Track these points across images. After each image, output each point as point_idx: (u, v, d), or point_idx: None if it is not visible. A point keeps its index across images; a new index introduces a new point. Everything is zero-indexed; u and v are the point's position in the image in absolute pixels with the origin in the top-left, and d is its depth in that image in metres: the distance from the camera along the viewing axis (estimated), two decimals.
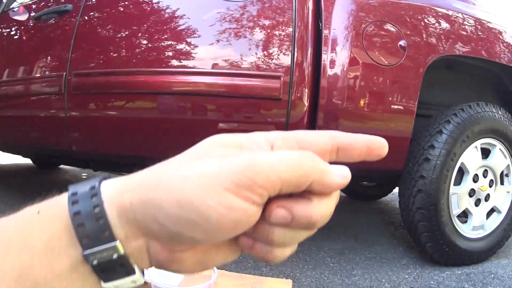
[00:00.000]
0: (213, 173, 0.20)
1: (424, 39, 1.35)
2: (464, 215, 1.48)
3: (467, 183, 1.43)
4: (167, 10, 1.38)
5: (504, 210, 1.54)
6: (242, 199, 0.20)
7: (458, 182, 1.43)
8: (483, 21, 1.56)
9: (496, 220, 1.53)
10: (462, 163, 1.40)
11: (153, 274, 0.53)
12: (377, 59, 1.25)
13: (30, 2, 1.78)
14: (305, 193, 0.21)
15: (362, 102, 1.22)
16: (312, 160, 0.21)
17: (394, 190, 2.48)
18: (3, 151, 2.19)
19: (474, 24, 1.52)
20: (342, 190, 2.40)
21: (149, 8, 1.44)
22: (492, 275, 1.37)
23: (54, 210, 0.23)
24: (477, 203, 1.48)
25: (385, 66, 1.26)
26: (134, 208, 0.22)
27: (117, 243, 0.22)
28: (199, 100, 1.30)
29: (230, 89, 1.25)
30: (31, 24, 1.74)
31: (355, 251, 1.55)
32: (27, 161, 2.96)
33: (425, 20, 1.39)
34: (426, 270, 1.39)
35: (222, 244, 0.23)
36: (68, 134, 1.50)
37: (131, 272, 0.23)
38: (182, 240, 0.22)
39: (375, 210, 2.34)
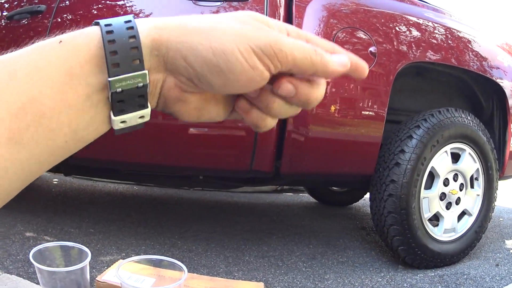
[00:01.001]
0: (248, 36, 0.24)
1: (395, 46, 1.38)
2: (436, 218, 1.50)
3: (438, 187, 1.46)
4: (140, 15, 1.38)
5: (475, 213, 1.58)
6: (262, 64, 0.24)
7: (428, 186, 1.45)
8: (453, 30, 1.61)
9: (467, 222, 1.57)
10: (432, 167, 1.43)
11: (124, 278, 0.51)
12: None
13: (3, 1, 1.74)
14: (308, 77, 0.26)
15: (332, 108, 1.24)
16: (320, 55, 0.25)
17: (365, 196, 2.48)
18: None
19: (444, 32, 1.56)
20: (313, 196, 2.35)
21: (122, 12, 1.42)
22: (465, 276, 1.40)
23: (81, 40, 0.24)
24: (448, 206, 1.51)
25: None
26: (169, 45, 0.24)
27: (146, 72, 0.24)
28: None
29: None
30: (3, 24, 1.70)
31: (327, 255, 1.55)
32: None
33: (396, 28, 1.42)
34: (399, 273, 1.41)
35: (221, 101, 0.27)
36: None
37: (145, 105, 0.25)
38: (200, 83, 0.25)
39: (347, 215, 2.33)
